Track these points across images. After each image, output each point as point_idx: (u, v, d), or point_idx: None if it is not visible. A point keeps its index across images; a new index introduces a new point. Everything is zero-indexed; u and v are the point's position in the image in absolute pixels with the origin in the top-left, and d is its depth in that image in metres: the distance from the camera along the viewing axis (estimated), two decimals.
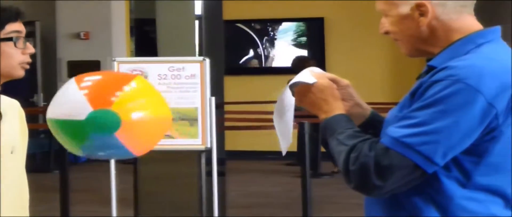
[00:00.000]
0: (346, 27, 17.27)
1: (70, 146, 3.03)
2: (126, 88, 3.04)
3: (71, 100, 2.97)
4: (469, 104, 2.72)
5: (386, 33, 3.03)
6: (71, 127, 2.96)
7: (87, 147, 3.00)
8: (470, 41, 2.90)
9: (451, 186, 2.82)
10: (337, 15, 17.18)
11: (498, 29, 2.98)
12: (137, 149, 3.10)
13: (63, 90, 3.01)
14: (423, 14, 2.90)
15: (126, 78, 3.12)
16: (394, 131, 2.80)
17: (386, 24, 3.02)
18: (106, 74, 3.17)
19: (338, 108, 3.03)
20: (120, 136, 2.94)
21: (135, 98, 3.03)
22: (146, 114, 3.05)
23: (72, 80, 3.02)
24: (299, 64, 14.49)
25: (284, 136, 3.28)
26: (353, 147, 2.85)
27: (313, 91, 3.07)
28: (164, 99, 3.19)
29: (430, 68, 2.89)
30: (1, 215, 3.16)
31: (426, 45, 2.96)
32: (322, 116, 3.05)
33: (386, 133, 2.83)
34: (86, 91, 2.98)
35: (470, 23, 2.95)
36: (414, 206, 2.87)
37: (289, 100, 3.21)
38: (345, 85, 3.15)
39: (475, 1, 2.98)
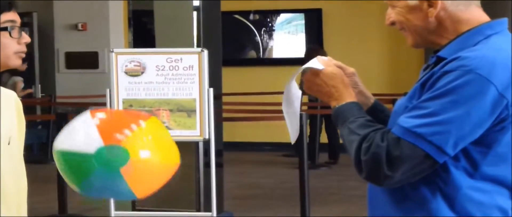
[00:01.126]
0: (344, 18, 17.29)
1: (72, 180, 3.02)
2: (137, 127, 3.03)
3: (83, 133, 2.96)
4: (481, 94, 2.75)
5: (392, 24, 3.04)
6: (78, 159, 2.95)
7: (89, 183, 2.99)
8: (479, 33, 2.92)
9: (459, 176, 2.84)
10: (334, 6, 17.20)
11: (505, 20, 3.01)
12: (139, 190, 3.07)
13: (76, 122, 3.00)
14: (432, 5, 2.92)
15: (140, 117, 3.10)
16: (405, 121, 2.82)
17: (392, 14, 3.03)
18: (121, 112, 3.18)
19: (349, 95, 3.05)
20: (125, 172, 2.93)
21: (145, 138, 3.02)
22: (154, 155, 3.03)
23: (87, 113, 3.02)
24: (312, 54, 14.53)
25: (293, 125, 3.27)
26: (365, 137, 2.87)
27: (322, 78, 3.07)
28: (174, 143, 3.15)
29: (439, 59, 2.90)
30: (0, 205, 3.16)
31: (434, 36, 2.97)
32: (333, 104, 3.06)
33: (397, 123, 2.85)
34: (98, 125, 2.97)
35: (477, 14, 2.97)
36: (421, 197, 2.89)
37: (296, 91, 3.22)
38: (351, 73, 3.16)
39: None
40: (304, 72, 3.14)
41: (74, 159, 2.95)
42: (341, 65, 3.13)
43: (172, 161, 3.10)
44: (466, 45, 2.88)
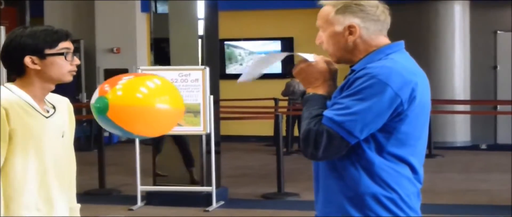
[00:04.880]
0: (309, 44, 17.16)
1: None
2: (154, 84, 3.01)
3: (97, 90, 3.01)
4: (380, 93, 2.80)
5: (321, 43, 3.06)
6: (92, 108, 3.00)
7: (100, 123, 3.02)
8: (381, 52, 2.96)
9: (371, 154, 2.89)
10: (303, 34, 17.19)
11: (401, 43, 3.05)
12: (133, 129, 3.02)
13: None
14: (351, 33, 2.96)
15: (156, 77, 3.08)
16: (328, 112, 2.87)
17: (322, 37, 3.05)
18: (144, 76, 3.15)
19: (323, 89, 3.03)
20: (111, 116, 2.93)
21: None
22: (168, 104, 3.00)
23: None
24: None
25: (248, 75, 3.18)
26: (309, 123, 2.90)
27: (311, 69, 3.04)
28: (179, 95, 3.08)
29: (352, 71, 2.95)
30: (53, 183, 3.18)
31: (349, 54, 3.00)
32: (309, 90, 3.05)
33: (323, 114, 2.88)
34: (108, 83, 3.01)
35: (383, 41, 3.01)
36: (345, 168, 2.92)
37: (277, 59, 3.19)
38: (334, 70, 3.11)
39: (388, 26, 3.03)
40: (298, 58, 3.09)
41: (91, 107, 3.01)
42: (329, 61, 3.10)
43: (179, 107, 3.07)
44: (372, 60, 2.92)
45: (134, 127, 3.02)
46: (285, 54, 3.15)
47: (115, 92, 2.95)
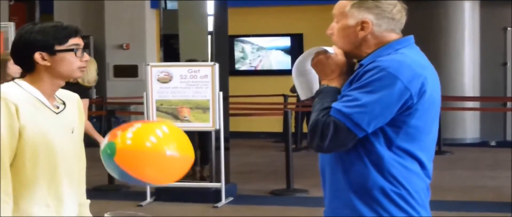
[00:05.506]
0: (319, 40, 17.17)
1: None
2: (162, 133, 2.95)
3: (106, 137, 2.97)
4: (390, 86, 2.80)
5: (331, 34, 3.06)
6: (101, 153, 2.97)
7: (108, 169, 2.98)
8: (390, 47, 2.96)
9: (381, 148, 2.88)
10: (312, 31, 17.18)
11: (411, 37, 3.05)
12: (140, 175, 2.94)
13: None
14: (363, 29, 2.96)
15: (163, 124, 3.01)
16: (337, 104, 2.87)
17: (334, 28, 3.05)
18: (150, 123, 3.10)
19: (338, 82, 3.02)
20: (118, 161, 2.89)
21: (170, 140, 2.92)
22: (177, 152, 2.92)
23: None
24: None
25: (303, 89, 3.18)
26: (318, 114, 2.90)
27: (329, 61, 3.03)
28: (189, 143, 3.00)
29: (361, 66, 2.95)
30: (63, 179, 3.18)
31: (357, 49, 3.00)
32: (324, 81, 3.05)
33: (332, 106, 2.88)
34: (120, 128, 2.96)
35: (394, 37, 3.00)
36: (353, 162, 2.92)
37: (311, 68, 3.14)
38: (352, 63, 3.11)
39: (402, 26, 3.03)
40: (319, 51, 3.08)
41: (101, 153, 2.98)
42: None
43: (189, 154, 3.03)
44: (381, 55, 2.92)
45: (142, 173, 2.95)
46: (313, 50, 3.11)
47: (124, 140, 2.91)
